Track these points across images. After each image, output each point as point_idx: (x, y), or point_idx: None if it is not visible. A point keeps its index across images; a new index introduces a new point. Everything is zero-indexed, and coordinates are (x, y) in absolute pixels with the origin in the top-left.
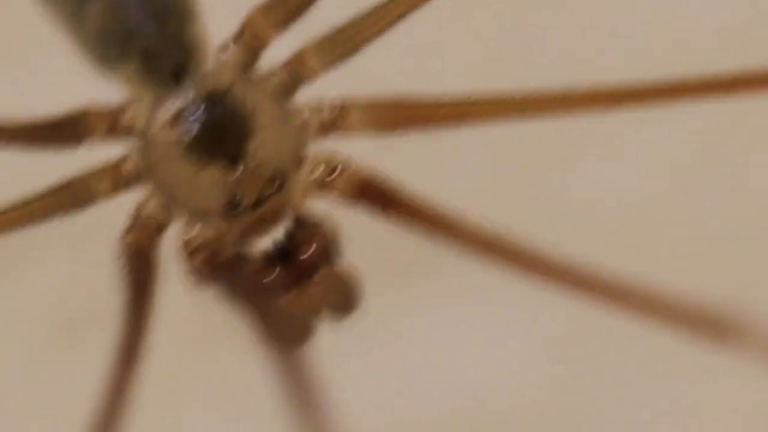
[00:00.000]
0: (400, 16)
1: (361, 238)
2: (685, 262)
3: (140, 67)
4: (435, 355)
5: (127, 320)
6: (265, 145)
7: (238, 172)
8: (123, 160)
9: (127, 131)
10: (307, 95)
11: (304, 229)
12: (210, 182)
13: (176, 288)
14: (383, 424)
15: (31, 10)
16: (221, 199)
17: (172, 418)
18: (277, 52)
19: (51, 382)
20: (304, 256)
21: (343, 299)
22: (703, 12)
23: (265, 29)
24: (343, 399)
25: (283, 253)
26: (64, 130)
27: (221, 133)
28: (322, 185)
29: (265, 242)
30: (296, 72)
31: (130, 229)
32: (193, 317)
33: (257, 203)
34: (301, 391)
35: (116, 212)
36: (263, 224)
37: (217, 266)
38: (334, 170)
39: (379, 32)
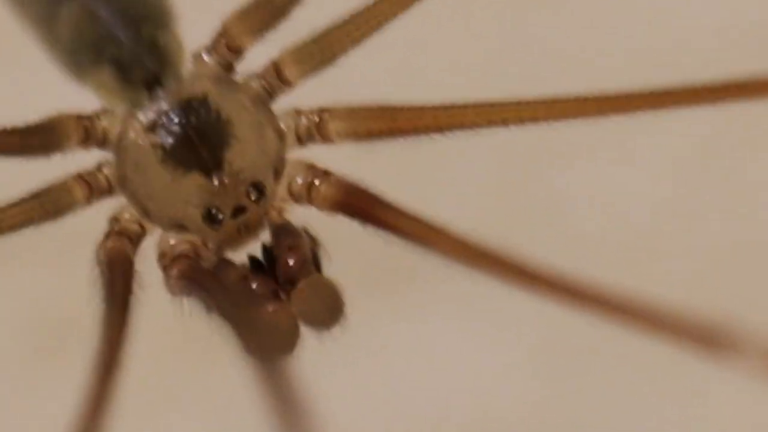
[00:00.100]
0: (382, 23)
1: (344, 247)
2: (689, 268)
3: (114, 74)
4: (421, 365)
5: (105, 329)
6: (242, 155)
7: (216, 182)
8: (98, 168)
9: (102, 139)
10: (285, 102)
11: (285, 239)
12: (186, 192)
13: (156, 297)
14: None
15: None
16: (198, 209)
17: (153, 429)
18: (255, 59)
19: (28, 393)
20: (285, 266)
21: (326, 309)
22: (703, 12)
23: (242, 36)
24: (327, 409)
25: (265, 264)
26: (38, 138)
27: (197, 142)
28: (302, 195)
29: (244, 252)
30: (273, 80)
31: (107, 237)
32: (173, 326)
33: (235, 213)
34: (284, 402)
35: (96, 220)
36: (242, 235)
37: (196, 277)
38: (314, 180)
39: (358, 40)
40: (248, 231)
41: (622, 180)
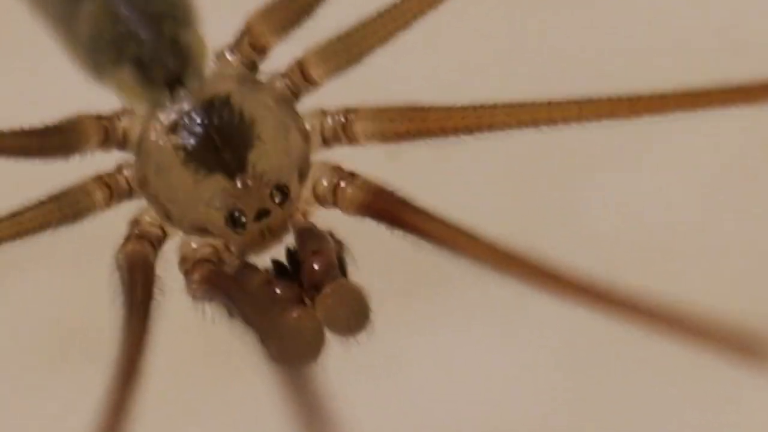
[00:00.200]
0: (409, 21)
1: (369, 254)
2: (713, 277)
3: (134, 74)
4: (445, 373)
5: (125, 336)
6: (266, 156)
7: (239, 185)
8: (118, 170)
9: (122, 140)
10: (310, 103)
11: (309, 243)
12: (209, 195)
13: (177, 304)
14: None
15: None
16: (221, 212)
17: None
18: (279, 58)
19: (43, 403)
20: (310, 271)
21: (351, 315)
22: (704, 12)
23: (266, 35)
24: (352, 418)
25: (289, 268)
26: (57, 139)
27: (220, 144)
28: (328, 197)
29: (268, 256)
30: (298, 80)
31: (126, 241)
32: (195, 334)
33: (259, 217)
34: (308, 410)
35: (114, 224)
36: (266, 238)
37: (218, 282)
38: (339, 182)
39: (385, 38)
40: (272, 234)
41: (640, 183)
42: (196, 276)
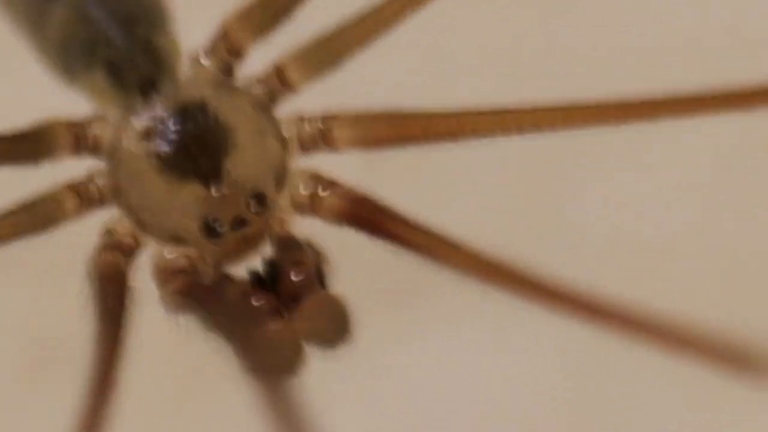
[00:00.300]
0: (390, 24)
1: (349, 263)
2: (713, 278)
3: (106, 77)
4: (435, 380)
5: (98, 349)
6: (243, 163)
7: (214, 193)
8: (90, 177)
9: (94, 147)
10: (288, 109)
11: (288, 253)
12: (184, 203)
13: (152, 315)
14: None
15: None
16: (197, 220)
17: None
18: (256, 62)
19: (16, 413)
20: (288, 282)
21: (331, 328)
22: (716, 11)
23: (243, 37)
24: (338, 429)
25: (267, 279)
26: (27, 145)
27: (195, 150)
28: (306, 206)
29: (246, 266)
30: (276, 85)
31: (99, 251)
32: (171, 346)
33: (235, 225)
34: (287, 423)
35: (88, 233)
36: (243, 248)
37: (193, 293)
38: (318, 189)
39: (365, 42)
40: (249, 244)
41: (639, 183)
42: (170, 287)
